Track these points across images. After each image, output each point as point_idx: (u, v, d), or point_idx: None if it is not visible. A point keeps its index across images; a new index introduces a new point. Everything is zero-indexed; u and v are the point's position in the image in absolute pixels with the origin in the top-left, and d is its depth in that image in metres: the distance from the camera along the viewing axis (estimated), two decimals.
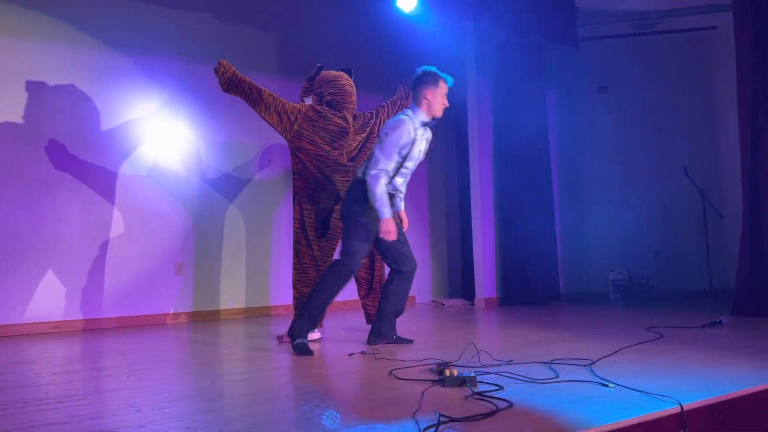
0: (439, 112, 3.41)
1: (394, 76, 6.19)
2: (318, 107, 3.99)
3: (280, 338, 3.81)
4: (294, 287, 3.90)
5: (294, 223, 3.97)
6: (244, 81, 3.84)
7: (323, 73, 4.08)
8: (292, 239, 4.11)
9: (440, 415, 1.80)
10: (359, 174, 3.49)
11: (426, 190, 6.74)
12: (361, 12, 6.30)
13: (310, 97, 4.14)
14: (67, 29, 4.85)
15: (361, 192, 3.39)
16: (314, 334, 3.79)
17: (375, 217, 3.35)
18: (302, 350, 3.25)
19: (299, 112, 3.94)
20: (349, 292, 4.95)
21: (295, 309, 3.83)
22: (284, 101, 3.94)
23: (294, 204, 3.99)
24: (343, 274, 3.39)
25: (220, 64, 3.81)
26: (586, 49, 6.48)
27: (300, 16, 5.99)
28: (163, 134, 5.23)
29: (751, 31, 4.46)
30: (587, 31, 6.29)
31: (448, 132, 6.87)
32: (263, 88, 3.89)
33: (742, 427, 2.03)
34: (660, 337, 3.42)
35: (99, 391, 2.44)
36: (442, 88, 3.39)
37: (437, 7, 5.02)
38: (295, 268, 3.93)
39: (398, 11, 4.98)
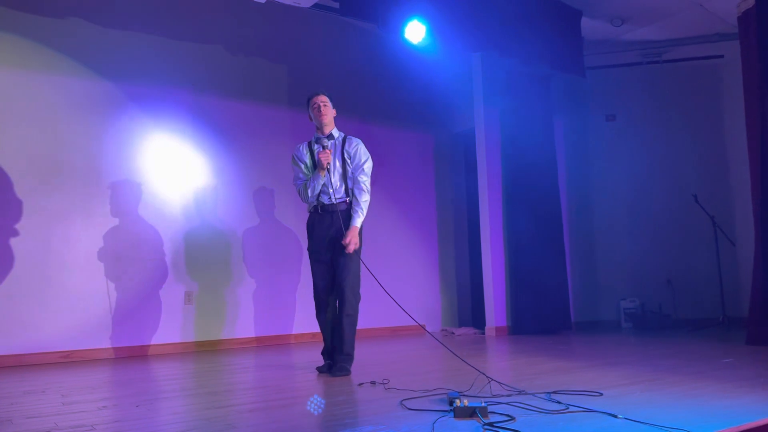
0: (316, 120, 3.77)
1: (402, 106, 6.26)
2: None
3: None
4: None
5: None
6: None
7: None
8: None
9: None
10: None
11: (435, 219, 6.74)
12: (369, 43, 6.39)
13: None
14: (78, 63, 4.96)
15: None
16: None
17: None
18: None
19: None
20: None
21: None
22: None
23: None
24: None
25: None
26: (594, 78, 6.52)
27: (308, 48, 6.07)
28: (174, 165, 5.30)
29: (758, 59, 4.48)
30: (594, 60, 6.34)
31: (457, 162, 6.90)
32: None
33: None
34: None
35: (107, 421, 2.43)
36: (311, 106, 3.79)
37: (445, 39, 5.06)
38: None
39: (406, 42, 5.04)
